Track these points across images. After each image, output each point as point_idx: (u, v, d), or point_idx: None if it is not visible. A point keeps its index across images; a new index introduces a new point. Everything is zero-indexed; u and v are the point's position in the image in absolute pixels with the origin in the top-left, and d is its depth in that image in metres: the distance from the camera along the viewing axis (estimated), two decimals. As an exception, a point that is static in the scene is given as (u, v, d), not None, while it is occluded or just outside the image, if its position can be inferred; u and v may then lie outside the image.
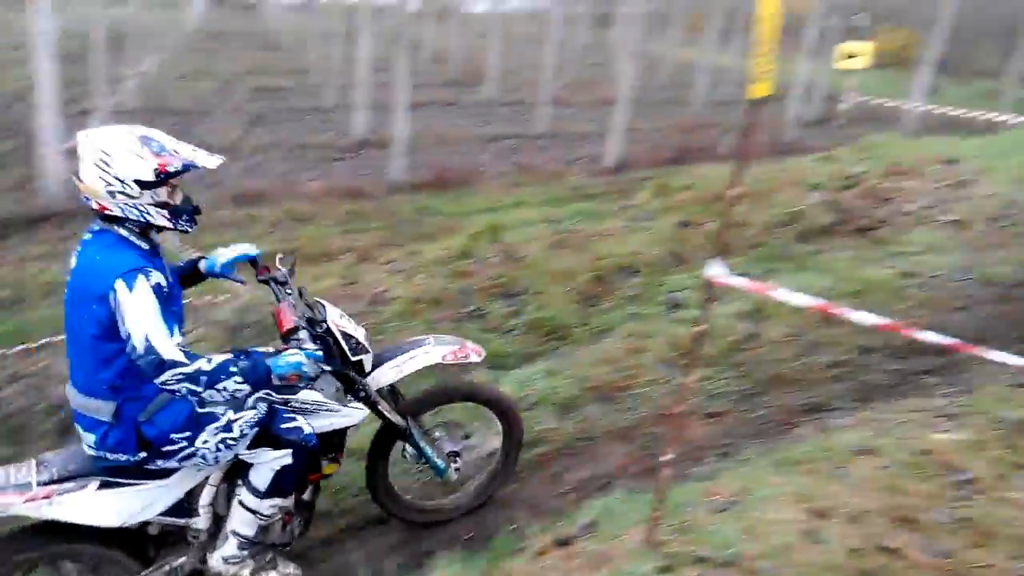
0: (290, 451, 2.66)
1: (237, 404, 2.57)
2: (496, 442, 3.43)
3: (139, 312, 2.20)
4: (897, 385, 4.21)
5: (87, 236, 2.37)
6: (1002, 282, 5.48)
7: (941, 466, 3.09)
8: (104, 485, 2.44)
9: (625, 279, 5.76)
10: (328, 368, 2.70)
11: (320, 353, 2.57)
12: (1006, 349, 4.43)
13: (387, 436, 3.17)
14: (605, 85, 15.59)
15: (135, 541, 2.61)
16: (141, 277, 2.22)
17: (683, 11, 27.40)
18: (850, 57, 7.72)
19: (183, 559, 2.73)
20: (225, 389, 2.36)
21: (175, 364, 2.24)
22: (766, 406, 4.16)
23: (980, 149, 8.93)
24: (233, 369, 2.36)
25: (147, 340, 2.20)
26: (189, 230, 2.45)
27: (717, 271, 2.22)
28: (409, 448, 3.17)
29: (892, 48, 28.05)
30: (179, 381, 2.26)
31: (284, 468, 2.66)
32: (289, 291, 2.95)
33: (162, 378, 2.24)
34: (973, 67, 29.83)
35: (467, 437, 3.40)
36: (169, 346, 2.24)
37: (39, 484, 2.34)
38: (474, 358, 3.17)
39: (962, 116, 9.43)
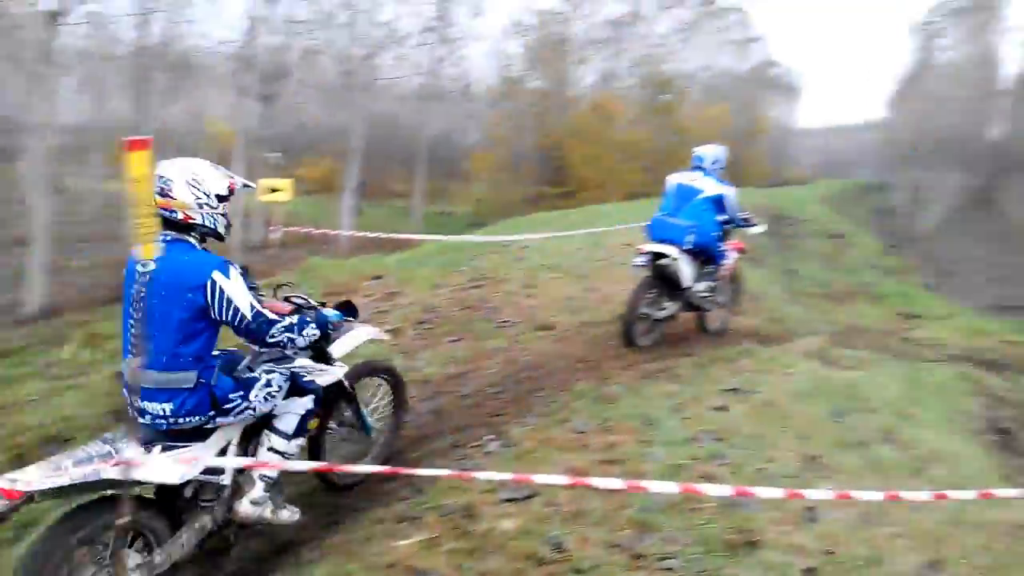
0: (313, 396, 3.62)
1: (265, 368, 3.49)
2: (388, 406, 4.65)
3: (240, 291, 3.09)
4: (361, 499, 4.32)
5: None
6: (433, 379, 6.20)
7: (408, 574, 3.22)
8: (165, 448, 3.07)
9: (56, 450, 4.87)
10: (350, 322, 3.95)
11: (341, 313, 3.81)
12: (441, 439, 5.00)
13: (333, 402, 4.03)
14: (15, 223, 13.58)
15: (169, 508, 3.22)
16: (231, 267, 3.12)
17: (103, 142, 25.82)
18: (273, 191, 8.13)
19: (207, 518, 3.32)
20: (306, 335, 3.40)
21: (276, 321, 3.24)
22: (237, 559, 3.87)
23: (400, 263, 10.25)
24: (308, 319, 3.43)
25: (253, 308, 3.13)
26: (227, 239, 3.36)
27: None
28: (342, 415, 4.21)
29: (318, 176, 31.01)
30: (282, 332, 3.27)
31: (307, 412, 3.57)
32: (262, 293, 3.64)
33: (271, 332, 3.23)
34: (387, 190, 34.71)
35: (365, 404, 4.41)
36: (266, 311, 3.22)
37: (117, 452, 2.91)
38: (386, 337, 4.82)
39: (382, 236, 10.70)
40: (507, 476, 3.04)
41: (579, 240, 12.94)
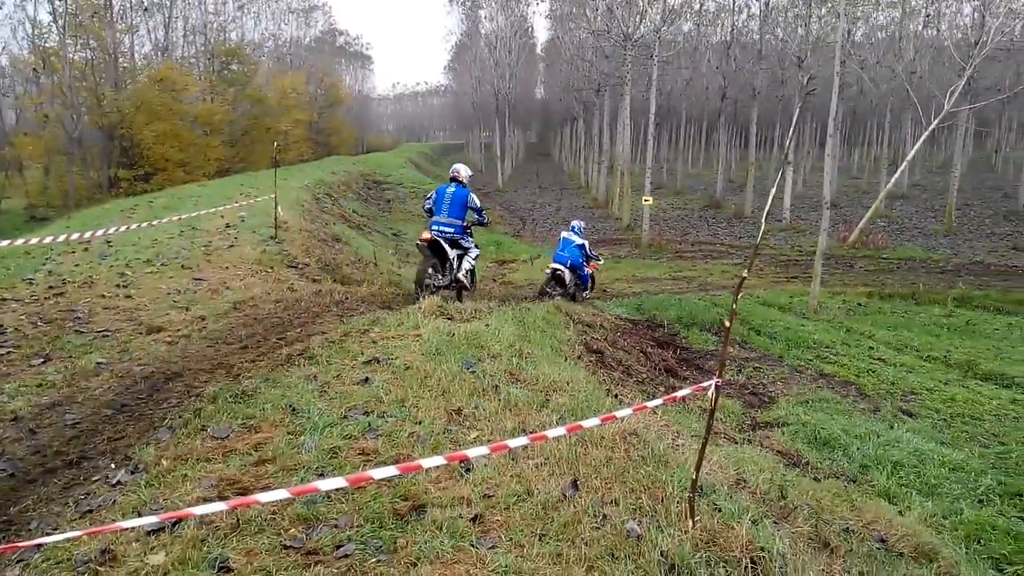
0: (478, 250, 10.24)
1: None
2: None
3: (478, 200, 9.72)
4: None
5: (452, 184, 9.69)
6: (24, 414, 5.18)
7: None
8: (449, 245, 9.45)
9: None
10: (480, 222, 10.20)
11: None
12: (51, 481, 4.23)
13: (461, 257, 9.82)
14: None
15: (442, 266, 9.57)
16: (474, 193, 9.78)
17: None
18: None
19: (449, 275, 9.56)
20: (490, 220, 11.76)
21: (484, 211, 10.05)
22: None
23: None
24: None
25: (481, 206, 9.81)
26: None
27: None
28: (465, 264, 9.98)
29: None
30: (485, 214, 9.97)
31: (477, 253, 10.15)
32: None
33: (484, 214, 9.87)
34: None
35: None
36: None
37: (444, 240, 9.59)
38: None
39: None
40: (152, 520, 2.66)
41: (173, 227, 11.87)
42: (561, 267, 11.89)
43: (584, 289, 12.72)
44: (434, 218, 9.54)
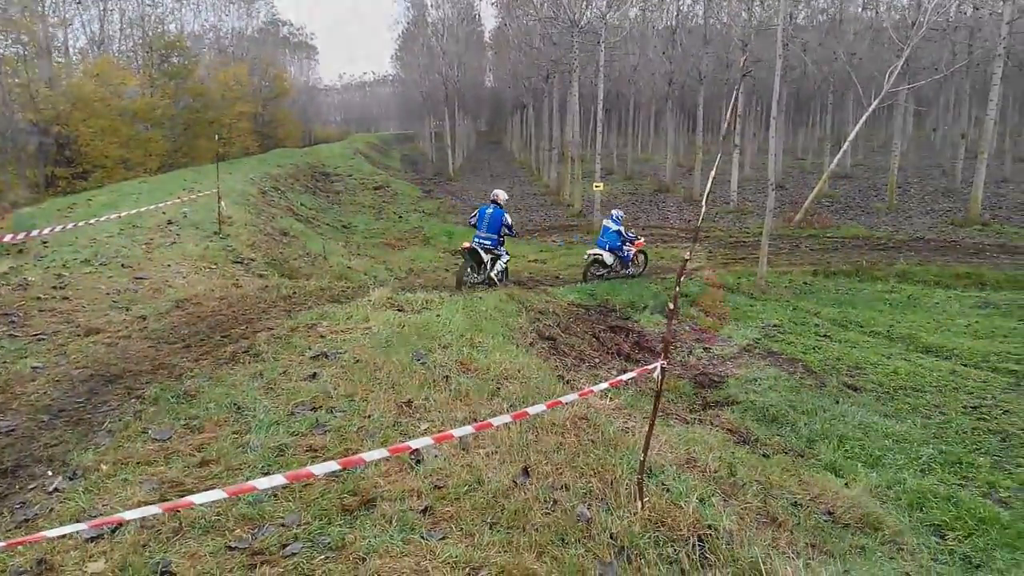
0: (509, 256, 12.54)
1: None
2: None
3: (510, 219, 12.01)
4: None
5: (491, 205, 11.96)
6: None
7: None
8: (484, 252, 11.73)
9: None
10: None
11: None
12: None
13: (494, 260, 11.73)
14: None
15: (478, 266, 11.77)
16: (508, 213, 12.06)
17: None
18: None
19: (483, 275, 11.82)
20: (516, 231, 12.87)
21: (513, 227, 12.13)
22: None
23: None
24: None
25: (512, 223, 12.06)
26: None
27: None
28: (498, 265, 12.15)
29: None
30: (514, 230, 12.28)
31: (507, 258, 12.48)
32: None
33: (514, 229, 12.27)
34: None
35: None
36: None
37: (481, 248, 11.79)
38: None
39: None
40: (81, 527, 2.56)
41: (113, 225, 11.52)
42: (600, 251, 14.58)
43: (626, 267, 14.95)
44: (476, 232, 12.39)
